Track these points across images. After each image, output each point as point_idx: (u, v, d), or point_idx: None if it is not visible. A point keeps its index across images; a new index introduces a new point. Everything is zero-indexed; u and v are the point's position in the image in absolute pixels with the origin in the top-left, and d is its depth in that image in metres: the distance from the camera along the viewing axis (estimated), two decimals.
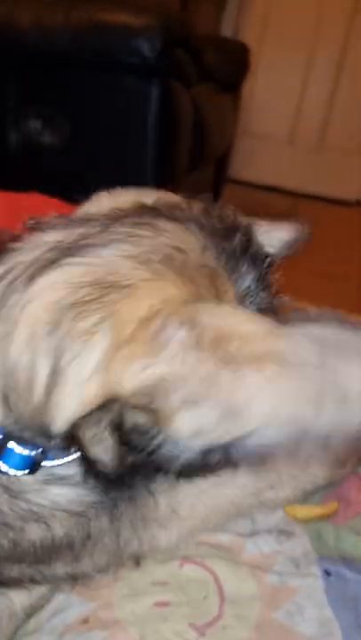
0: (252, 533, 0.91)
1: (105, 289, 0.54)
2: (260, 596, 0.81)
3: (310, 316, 0.57)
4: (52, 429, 0.55)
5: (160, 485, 0.75)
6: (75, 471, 0.62)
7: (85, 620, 0.77)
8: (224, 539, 0.90)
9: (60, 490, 0.63)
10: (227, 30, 4.88)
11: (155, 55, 1.76)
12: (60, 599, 0.82)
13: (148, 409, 0.48)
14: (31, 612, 0.81)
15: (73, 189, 2.04)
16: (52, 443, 0.58)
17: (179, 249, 0.60)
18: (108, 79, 1.91)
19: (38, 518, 0.63)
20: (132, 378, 0.48)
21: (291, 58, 4.64)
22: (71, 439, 0.55)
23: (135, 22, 1.77)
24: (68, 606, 0.80)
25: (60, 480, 0.63)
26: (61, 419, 0.53)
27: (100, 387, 0.51)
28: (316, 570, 0.84)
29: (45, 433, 0.56)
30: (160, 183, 2.04)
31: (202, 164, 2.80)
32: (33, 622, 0.81)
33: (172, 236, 0.62)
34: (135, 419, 0.50)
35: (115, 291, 0.54)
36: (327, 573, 0.84)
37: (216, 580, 0.83)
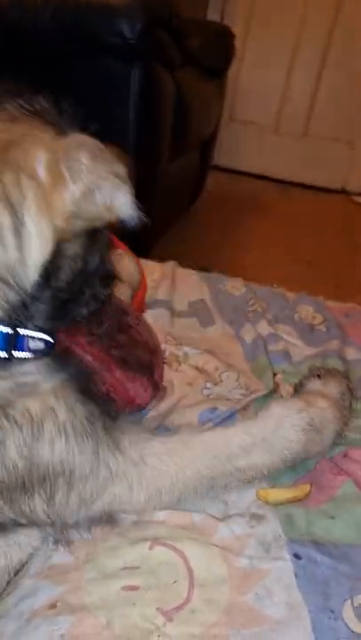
0: (225, 516, 0.91)
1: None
2: (230, 579, 0.80)
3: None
4: (28, 278, 0.72)
5: (131, 436, 0.88)
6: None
7: (53, 605, 0.77)
8: (196, 519, 0.90)
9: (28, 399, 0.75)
10: (213, 15, 4.83)
11: (136, 36, 1.73)
12: (28, 584, 0.81)
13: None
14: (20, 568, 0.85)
15: None
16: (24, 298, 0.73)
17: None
18: (89, 60, 1.88)
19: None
20: (69, 202, 0.71)
21: (277, 44, 4.61)
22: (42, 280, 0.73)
23: (116, 1, 1.73)
24: (36, 591, 0.79)
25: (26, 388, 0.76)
26: (34, 265, 0.72)
27: (51, 232, 0.71)
28: (286, 554, 0.84)
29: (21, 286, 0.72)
30: (142, 167, 2.03)
31: (186, 150, 2.77)
32: (1, 607, 0.80)
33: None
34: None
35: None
36: (297, 557, 0.84)
37: (186, 563, 0.83)
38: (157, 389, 1.18)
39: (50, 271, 0.75)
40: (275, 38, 4.60)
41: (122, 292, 1.32)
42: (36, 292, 0.74)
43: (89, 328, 1.05)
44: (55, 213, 0.72)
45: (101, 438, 0.83)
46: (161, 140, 2.21)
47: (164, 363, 1.28)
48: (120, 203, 0.75)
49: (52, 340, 0.81)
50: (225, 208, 4.28)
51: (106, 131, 1.98)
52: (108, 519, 0.87)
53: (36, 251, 0.72)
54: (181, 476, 0.89)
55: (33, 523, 0.82)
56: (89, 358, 1.06)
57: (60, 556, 0.85)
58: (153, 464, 0.88)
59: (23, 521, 0.81)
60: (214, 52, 3.18)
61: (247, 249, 3.56)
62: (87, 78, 1.92)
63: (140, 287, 1.51)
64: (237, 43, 3.59)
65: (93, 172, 0.71)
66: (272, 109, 4.88)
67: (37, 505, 0.80)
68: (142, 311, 1.53)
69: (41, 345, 0.79)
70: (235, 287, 1.78)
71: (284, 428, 0.95)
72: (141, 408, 1.16)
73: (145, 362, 1.16)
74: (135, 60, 1.82)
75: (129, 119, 1.89)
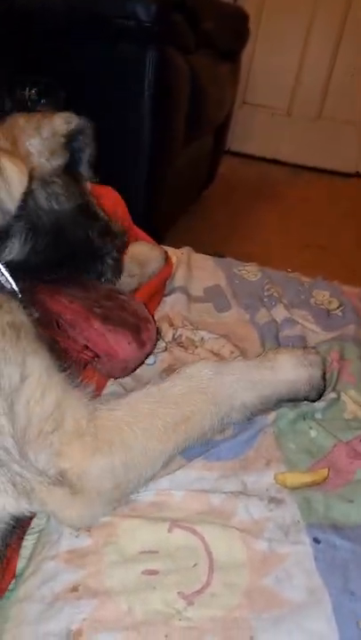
0: (243, 496, 0.92)
1: None
2: (250, 562, 0.81)
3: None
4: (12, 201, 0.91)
5: None
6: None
7: (74, 589, 0.78)
8: (215, 501, 0.90)
9: None
10: None
11: (151, 19, 1.71)
12: (49, 567, 0.82)
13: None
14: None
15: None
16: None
17: None
18: (104, 45, 1.86)
19: None
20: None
21: (290, 27, 4.55)
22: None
23: None
24: (57, 574, 0.80)
25: None
26: (17, 191, 0.92)
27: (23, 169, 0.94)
28: (305, 537, 0.84)
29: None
30: (157, 151, 2.02)
31: (200, 135, 2.75)
32: (22, 590, 0.81)
33: None
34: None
35: None
36: (316, 541, 0.84)
37: (206, 546, 0.83)
38: (144, 347, 1.15)
39: (29, 202, 0.94)
40: (288, 19, 4.54)
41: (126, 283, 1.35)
42: (14, 222, 0.92)
43: (72, 292, 1.08)
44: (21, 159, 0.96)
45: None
46: (176, 124, 2.19)
47: (158, 336, 1.28)
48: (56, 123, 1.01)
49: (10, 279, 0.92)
50: (237, 193, 4.25)
51: (121, 115, 1.98)
52: None
53: (16, 182, 0.93)
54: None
55: None
56: (67, 315, 1.07)
57: (79, 539, 0.85)
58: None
59: None
60: (228, 35, 3.14)
61: (260, 234, 3.54)
62: (101, 62, 1.91)
63: (160, 272, 1.51)
64: (250, 24, 3.54)
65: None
66: (285, 92, 4.83)
67: None
68: (160, 295, 1.53)
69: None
70: (250, 272, 1.77)
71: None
72: (129, 367, 1.14)
73: (130, 323, 1.15)
74: (150, 44, 1.81)
75: (144, 103, 1.88)
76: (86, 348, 1.08)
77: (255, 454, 1.00)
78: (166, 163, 2.15)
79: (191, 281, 1.70)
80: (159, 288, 1.55)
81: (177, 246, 1.91)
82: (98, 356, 1.09)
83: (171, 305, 1.53)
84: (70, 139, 1.04)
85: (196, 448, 1.01)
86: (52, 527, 0.89)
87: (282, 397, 1.06)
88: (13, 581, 0.87)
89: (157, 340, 1.25)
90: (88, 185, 1.15)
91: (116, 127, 2.00)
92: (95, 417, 0.88)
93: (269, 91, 4.86)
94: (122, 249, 1.23)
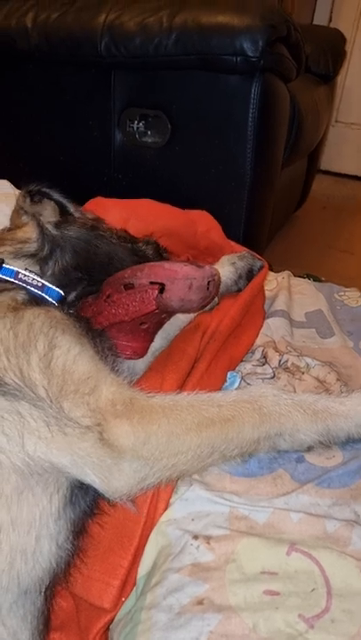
0: (357, 526, 0.93)
1: None
2: None
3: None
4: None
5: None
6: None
7: (200, 602, 0.83)
8: (330, 528, 0.93)
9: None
10: (320, 16, 4.78)
11: (257, 54, 1.78)
12: (174, 578, 0.88)
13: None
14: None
15: (173, 186, 2.12)
16: None
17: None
18: (210, 79, 1.95)
19: None
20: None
21: None
22: None
23: (238, 22, 1.78)
24: (183, 586, 0.86)
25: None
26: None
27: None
28: None
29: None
30: (258, 179, 2.08)
31: (297, 159, 2.78)
32: (149, 597, 0.88)
33: None
34: None
35: None
36: None
37: (322, 572, 0.86)
38: (203, 267, 1.21)
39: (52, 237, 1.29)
40: None
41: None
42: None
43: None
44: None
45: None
46: (277, 152, 2.24)
47: (263, 359, 1.39)
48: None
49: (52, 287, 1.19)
50: (329, 212, 4.22)
51: (223, 145, 2.06)
52: None
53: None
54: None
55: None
56: (127, 273, 1.22)
57: (201, 553, 0.91)
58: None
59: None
60: (326, 58, 3.16)
61: (355, 254, 3.49)
62: (206, 94, 1.99)
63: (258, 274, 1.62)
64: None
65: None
66: None
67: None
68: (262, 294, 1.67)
69: (30, 278, 1.16)
70: (351, 298, 1.78)
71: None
72: (194, 285, 1.19)
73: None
74: (255, 76, 1.87)
75: (247, 133, 1.94)
76: (151, 283, 1.17)
77: None
78: (267, 190, 2.20)
79: (292, 305, 1.72)
80: (260, 287, 1.63)
81: (271, 267, 1.94)
82: (163, 285, 1.16)
83: (274, 329, 1.57)
84: (27, 209, 1.38)
85: (307, 473, 1.04)
86: (173, 540, 0.95)
87: (352, 436, 1.03)
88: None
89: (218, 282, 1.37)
90: (87, 215, 1.46)
91: (218, 157, 2.08)
92: (132, 396, 0.96)
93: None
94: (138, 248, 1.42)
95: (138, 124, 2.12)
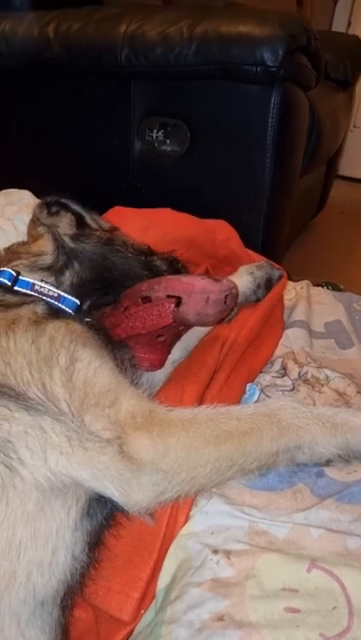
0: None
1: None
2: None
3: None
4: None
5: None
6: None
7: (220, 618, 0.83)
8: (351, 545, 0.92)
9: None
10: (339, 22, 4.76)
11: (277, 64, 1.78)
12: (194, 593, 0.88)
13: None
14: None
15: (192, 195, 2.12)
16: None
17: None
18: (230, 88, 1.95)
19: None
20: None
21: None
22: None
23: (258, 32, 1.79)
24: (203, 602, 0.86)
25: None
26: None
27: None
28: None
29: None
30: (276, 189, 2.08)
31: (316, 167, 2.77)
32: (169, 611, 0.88)
33: None
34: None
35: None
36: None
37: (344, 590, 0.85)
38: (220, 281, 1.21)
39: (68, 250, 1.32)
40: None
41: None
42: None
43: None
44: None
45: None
46: (296, 160, 2.24)
47: (283, 371, 1.39)
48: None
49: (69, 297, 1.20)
50: (347, 218, 4.19)
51: (242, 154, 2.06)
52: None
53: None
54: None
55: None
56: (143, 286, 1.25)
57: (221, 568, 0.91)
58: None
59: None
60: (344, 65, 3.15)
61: None
62: (227, 104, 2.00)
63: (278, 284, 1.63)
64: None
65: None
66: None
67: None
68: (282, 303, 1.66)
69: (46, 289, 1.18)
70: None
71: None
72: (211, 299, 1.19)
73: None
74: (275, 85, 1.87)
75: (267, 142, 1.94)
76: (168, 297, 1.19)
77: None
78: (285, 199, 2.19)
79: (312, 316, 1.72)
80: (279, 297, 1.64)
81: (290, 276, 1.94)
82: (180, 298, 1.17)
83: (293, 340, 1.56)
84: (44, 221, 1.40)
85: (328, 487, 1.04)
86: (193, 554, 0.95)
87: None
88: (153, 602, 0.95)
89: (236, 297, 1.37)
90: (103, 226, 1.47)
91: (237, 166, 2.08)
92: (151, 409, 0.97)
93: None
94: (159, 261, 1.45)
95: (157, 132, 2.13)
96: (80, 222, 1.41)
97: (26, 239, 1.48)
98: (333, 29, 4.66)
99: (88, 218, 1.43)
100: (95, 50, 2.10)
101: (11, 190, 2.18)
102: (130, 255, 1.39)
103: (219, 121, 2.05)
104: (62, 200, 1.41)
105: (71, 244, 1.33)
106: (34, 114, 2.45)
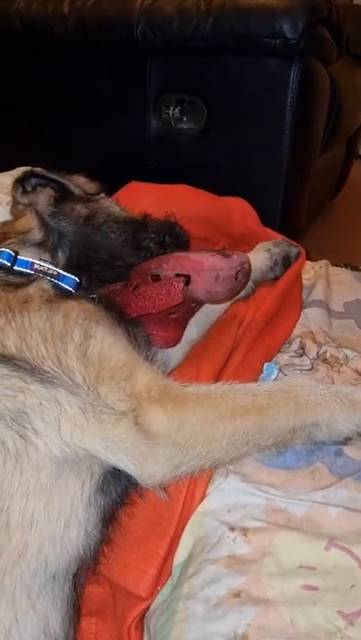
0: None
1: None
2: None
3: None
4: None
5: None
6: None
7: (237, 595, 0.83)
8: None
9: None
10: None
11: (297, 36, 1.73)
12: (211, 570, 0.88)
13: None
14: None
15: (208, 172, 2.09)
16: None
17: None
18: (248, 63, 1.91)
19: None
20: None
21: None
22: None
23: (277, 3, 1.74)
24: (220, 578, 0.86)
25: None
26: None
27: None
28: None
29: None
30: (295, 166, 2.04)
31: (335, 144, 2.71)
32: (186, 587, 0.88)
33: None
34: None
35: None
36: None
37: None
38: (230, 257, 1.19)
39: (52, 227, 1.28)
40: None
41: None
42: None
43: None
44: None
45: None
46: (315, 136, 2.19)
47: (301, 351, 1.36)
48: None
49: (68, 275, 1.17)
50: None
51: (260, 129, 2.02)
52: None
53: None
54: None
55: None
56: (152, 265, 1.23)
57: (238, 546, 0.90)
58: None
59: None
60: None
61: None
62: (245, 78, 1.96)
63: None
64: None
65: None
66: None
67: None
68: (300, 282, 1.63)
69: (46, 268, 1.15)
70: None
71: None
72: (220, 276, 1.18)
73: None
74: (295, 59, 1.82)
75: (285, 117, 1.90)
76: (177, 275, 1.17)
77: None
78: (304, 176, 2.15)
79: (331, 295, 1.69)
80: (298, 275, 1.61)
81: (308, 256, 1.91)
82: (189, 277, 1.16)
83: (311, 319, 1.54)
84: (20, 200, 1.35)
85: (346, 466, 1.02)
86: (209, 531, 0.95)
87: None
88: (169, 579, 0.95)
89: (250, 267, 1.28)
90: (101, 198, 1.41)
91: (255, 142, 2.04)
92: (166, 384, 0.96)
93: None
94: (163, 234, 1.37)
95: (174, 110, 2.10)
96: (62, 194, 1.35)
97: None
98: (355, 2, 4.53)
99: (71, 185, 1.36)
100: (110, 25, 2.07)
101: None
102: (113, 235, 1.34)
103: (236, 96, 2.01)
104: (36, 171, 1.34)
105: (52, 224, 1.29)
106: (48, 90, 2.42)
